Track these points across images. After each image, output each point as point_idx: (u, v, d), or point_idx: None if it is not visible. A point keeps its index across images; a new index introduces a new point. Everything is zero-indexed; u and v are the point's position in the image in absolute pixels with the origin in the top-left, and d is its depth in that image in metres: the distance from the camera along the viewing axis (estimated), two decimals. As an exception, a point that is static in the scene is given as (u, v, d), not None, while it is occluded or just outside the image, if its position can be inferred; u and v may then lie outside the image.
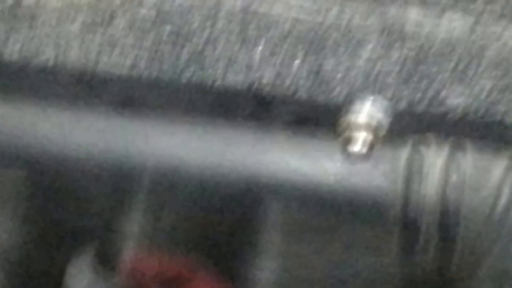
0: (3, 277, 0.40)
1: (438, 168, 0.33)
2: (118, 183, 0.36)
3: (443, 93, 0.34)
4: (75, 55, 0.35)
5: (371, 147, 0.32)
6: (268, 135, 0.36)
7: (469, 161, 0.33)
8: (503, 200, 0.32)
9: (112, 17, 0.35)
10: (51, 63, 0.35)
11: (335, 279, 0.38)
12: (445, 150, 0.33)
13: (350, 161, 0.33)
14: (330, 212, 0.35)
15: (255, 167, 0.35)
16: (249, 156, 0.36)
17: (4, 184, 0.37)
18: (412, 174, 0.33)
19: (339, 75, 0.34)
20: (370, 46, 0.34)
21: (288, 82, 0.34)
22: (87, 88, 0.36)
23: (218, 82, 0.35)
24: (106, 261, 0.39)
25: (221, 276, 0.41)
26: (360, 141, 0.32)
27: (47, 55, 0.35)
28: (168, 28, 0.35)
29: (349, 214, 0.35)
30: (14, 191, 0.37)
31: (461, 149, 0.34)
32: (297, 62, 0.34)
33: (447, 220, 0.33)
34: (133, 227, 0.37)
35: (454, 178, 0.33)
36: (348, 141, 0.32)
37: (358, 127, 0.33)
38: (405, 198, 0.33)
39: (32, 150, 0.35)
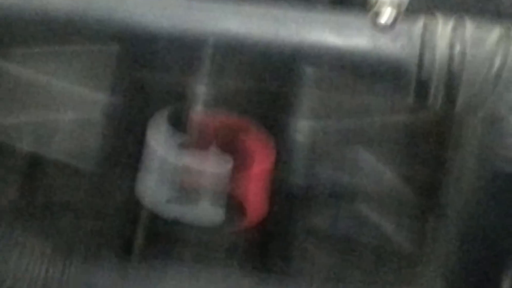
0: (103, 132, 0.50)
1: (445, 40, 0.43)
2: (190, 55, 0.45)
3: None
4: None
5: (395, 20, 0.42)
6: (311, 14, 0.45)
7: (469, 32, 0.43)
8: (497, 61, 0.42)
9: None
10: None
11: (360, 127, 0.50)
12: (450, 25, 0.42)
13: (378, 31, 0.42)
14: (359, 76, 0.45)
15: (299, 40, 0.45)
16: (295, 32, 0.45)
17: (99, 57, 0.46)
18: (425, 45, 0.43)
19: None
20: None
21: None
22: None
23: None
24: (178, 120, 0.50)
25: (267, 133, 0.52)
26: (386, 15, 0.42)
27: None
28: None
29: (374, 78, 0.45)
30: (108, 62, 0.47)
31: (463, 24, 0.43)
32: None
33: (453, 78, 0.43)
34: (201, 91, 0.47)
35: (457, 47, 0.43)
36: (376, 15, 0.42)
37: (385, 3, 0.42)
38: (419, 63, 0.43)
39: (123, 26, 0.43)
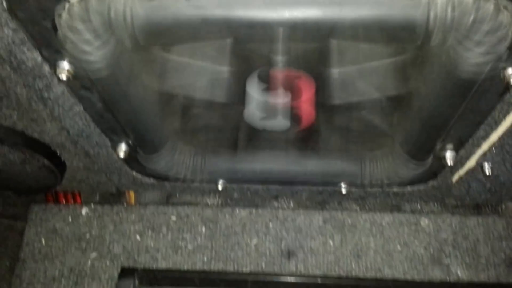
0: (224, 84, 0.91)
1: (442, 4, 0.60)
2: (270, 36, 0.68)
3: None
4: None
5: None
6: None
7: None
8: (472, 14, 0.59)
9: None
10: None
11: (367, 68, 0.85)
12: None
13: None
14: (391, 32, 0.64)
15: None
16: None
17: (215, 46, 0.82)
18: (430, 8, 0.60)
19: None
20: None
21: None
22: None
23: None
24: (263, 76, 0.89)
25: (310, 76, 0.90)
26: None
27: None
28: None
29: (400, 31, 0.64)
30: (223, 48, 0.82)
31: None
32: None
33: (448, 27, 0.61)
34: (277, 58, 0.82)
35: (449, 8, 0.60)
36: None
37: None
38: (427, 20, 0.61)
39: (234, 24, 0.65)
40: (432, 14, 0.61)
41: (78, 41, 0.65)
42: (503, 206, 1.30)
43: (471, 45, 0.65)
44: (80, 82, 0.77)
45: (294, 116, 0.95)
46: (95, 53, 0.68)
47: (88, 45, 0.66)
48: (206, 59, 0.88)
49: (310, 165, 1.10)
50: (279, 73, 0.88)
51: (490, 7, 0.59)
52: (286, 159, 1.10)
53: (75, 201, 1.32)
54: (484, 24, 0.61)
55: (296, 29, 0.65)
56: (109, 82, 0.75)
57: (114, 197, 1.33)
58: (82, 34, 0.64)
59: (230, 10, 0.63)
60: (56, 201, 1.32)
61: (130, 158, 1.02)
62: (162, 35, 0.67)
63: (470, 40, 0.64)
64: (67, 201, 1.32)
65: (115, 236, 1.30)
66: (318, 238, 1.29)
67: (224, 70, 0.89)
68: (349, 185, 1.14)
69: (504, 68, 0.70)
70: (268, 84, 0.90)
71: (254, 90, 0.91)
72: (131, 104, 0.84)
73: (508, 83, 0.71)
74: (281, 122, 0.96)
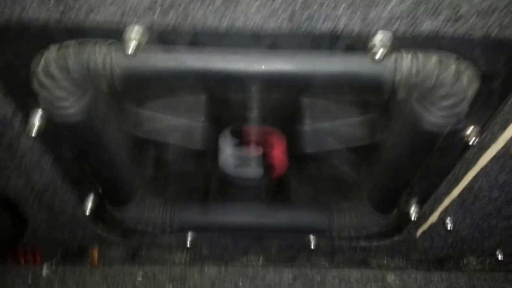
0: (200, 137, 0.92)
1: (407, 65, 0.62)
2: (243, 92, 0.70)
3: None
4: None
5: (384, 56, 0.59)
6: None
7: (420, 60, 0.61)
8: (435, 74, 0.62)
9: None
10: None
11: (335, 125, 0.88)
12: (409, 57, 0.61)
13: (375, 63, 0.60)
14: (360, 89, 0.68)
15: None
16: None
17: (189, 100, 0.85)
18: (396, 69, 0.63)
19: None
20: None
21: None
22: None
23: None
24: (236, 132, 0.91)
25: (283, 133, 0.93)
26: (380, 53, 0.59)
27: None
28: None
29: (369, 88, 0.67)
30: (197, 103, 0.85)
31: (416, 55, 0.61)
32: None
33: (412, 85, 0.63)
34: (249, 115, 0.85)
35: (414, 68, 0.62)
36: (374, 54, 0.59)
37: (379, 47, 0.59)
38: (393, 79, 0.63)
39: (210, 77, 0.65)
40: (398, 74, 0.63)
41: (54, 88, 0.65)
42: (465, 261, 1.32)
43: (431, 106, 0.68)
44: (51, 134, 0.76)
45: (267, 166, 0.97)
46: (71, 100, 0.67)
47: (64, 92, 0.65)
48: (180, 115, 0.90)
49: (280, 216, 1.09)
50: (251, 129, 0.91)
51: (450, 74, 0.63)
52: (257, 211, 1.09)
53: (35, 261, 1.25)
54: (442, 89, 0.64)
55: (271, 82, 0.67)
56: (82, 129, 0.74)
57: (77, 256, 1.27)
58: (59, 82, 0.64)
59: (208, 63, 0.64)
60: (15, 261, 1.24)
61: (96, 213, 0.99)
62: (141, 85, 0.67)
63: (430, 102, 0.67)
64: (26, 261, 1.24)
65: (77, 298, 1.23)
66: (288, 297, 1.27)
67: (197, 125, 0.90)
68: (318, 237, 1.13)
69: (464, 128, 0.74)
70: (240, 139, 0.92)
71: (227, 145, 0.92)
72: (103, 152, 0.82)
73: (467, 142, 0.74)
74: (254, 170, 0.97)
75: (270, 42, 0.62)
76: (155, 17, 0.58)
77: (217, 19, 0.58)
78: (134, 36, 0.58)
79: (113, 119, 0.81)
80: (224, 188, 1.04)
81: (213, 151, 0.93)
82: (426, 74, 0.63)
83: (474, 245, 1.14)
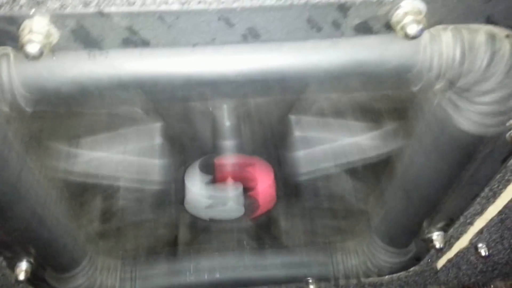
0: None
1: (447, 46, 0.46)
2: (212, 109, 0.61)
3: None
4: None
5: (420, 31, 0.43)
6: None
7: (465, 37, 0.46)
8: (486, 58, 0.46)
9: None
10: None
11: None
12: (449, 34, 0.46)
13: (409, 39, 0.43)
14: (385, 78, 0.49)
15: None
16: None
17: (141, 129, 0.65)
18: (433, 51, 0.46)
19: None
20: None
21: None
22: None
23: None
24: (205, 167, 0.70)
25: (268, 164, 0.72)
26: (413, 28, 0.42)
27: None
28: None
29: (396, 77, 0.49)
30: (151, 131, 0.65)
31: (459, 31, 0.46)
32: None
33: (455, 74, 0.48)
34: (221, 146, 0.66)
35: (458, 50, 0.46)
36: (404, 29, 0.43)
37: (409, 21, 0.43)
38: (429, 66, 0.47)
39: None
40: (435, 59, 0.48)
41: None
42: (491, 286, 1.16)
43: (473, 101, 0.52)
44: None
45: (249, 203, 0.77)
46: None
47: None
48: (131, 149, 0.68)
49: (271, 265, 0.93)
50: (226, 160, 0.70)
51: (504, 56, 0.47)
52: (240, 262, 0.90)
53: None
54: (494, 78, 0.48)
55: (250, 89, 0.50)
56: None
57: None
58: None
59: (154, 67, 0.47)
60: None
61: (35, 278, 0.81)
62: (59, 106, 0.52)
63: (474, 94, 0.51)
64: None
65: None
66: None
67: (154, 161, 0.68)
68: (318, 280, 0.96)
69: (510, 129, 0.59)
70: (212, 175, 0.71)
71: (195, 183, 0.71)
72: (24, 207, 0.63)
73: None
74: (232, 210, 0.76)
75: (246, 27, 0.45)
76: (62, 1, 0.42)
77: None
78: (36, 31, 0.43)
79: (34, 159, 0.62)
80: (196, 236, 0.85)
81: (177, 191, 0.74)
82: (474, 57, 0.48)
83: (507, 269, 0.99)
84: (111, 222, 0.81)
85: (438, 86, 0.50)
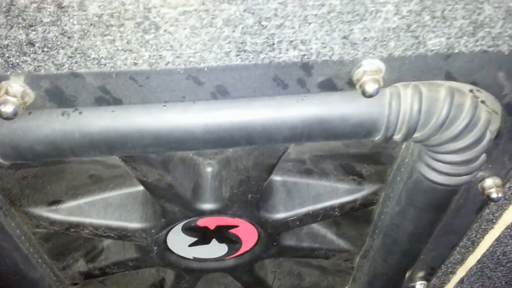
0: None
1: (406, 102, 0.47)
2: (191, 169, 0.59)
3: None
4: None
5: (376, 90, 0.44)
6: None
7: (424, 94, 0.47)
8: (444, 112, 0.46)
9: None
10: None
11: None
12: (409, 91, 0.47)
13: (367, 97, 0.44)
14: (344, 133, 0.50)
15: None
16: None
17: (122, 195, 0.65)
18: (391, 108, 0.48)
19: None
20: None
21: None
22: None
23: None
24: (188, 229, 0.69)
25: (249, 219, 0.70)
26: (371, 87, 0.44)
27: None
28: None
29: (356, 132, 0.50)
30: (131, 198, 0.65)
31: (418, 89, 0.47)
32: None
33: (411, 127, 0.49)
34: (204, 205, 0.62)
35: (415, 106, 0.47)
36: (362, 87, 0.44)
37: (368, 80, 0.44)
38: (387, 122, 0.48)
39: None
40: (393, 114, 0.49)
41: None
42: None
43: (438, 152, 0.53)
44: None
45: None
46: None
47: None
48: (111, 216, 0.66)
49: None
50: (210, 222, 0.69)
51: (464, 109, 0.48)
52: None
53: None
54: (453, 128, 0.49)
55: (220, 144, 0.50)
56: None
57: None
58: None
59: (128, 124, 0.47)
60: None
61: None
62: (32, 158, 0.51)
63: (438, 146, 0.52)
64: None
65: None
66: None
67: (135, 227, 0.66)
68: None
69: (482, 180, 0.60)
70: (197, 238, 0.70)
71: (178, 247, 0.70)
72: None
73: (487, 196, 0.60)
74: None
75: (215, 85, 0.46)
76: (36, 64, 0.43)
77: (132, 58, 0.42)
78: (11, 92, 0.44)
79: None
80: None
81: (159, 254, 0.72)
82: (432, 111, 0.48)
83: None
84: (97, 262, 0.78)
85: (397, 137, 0.51)
